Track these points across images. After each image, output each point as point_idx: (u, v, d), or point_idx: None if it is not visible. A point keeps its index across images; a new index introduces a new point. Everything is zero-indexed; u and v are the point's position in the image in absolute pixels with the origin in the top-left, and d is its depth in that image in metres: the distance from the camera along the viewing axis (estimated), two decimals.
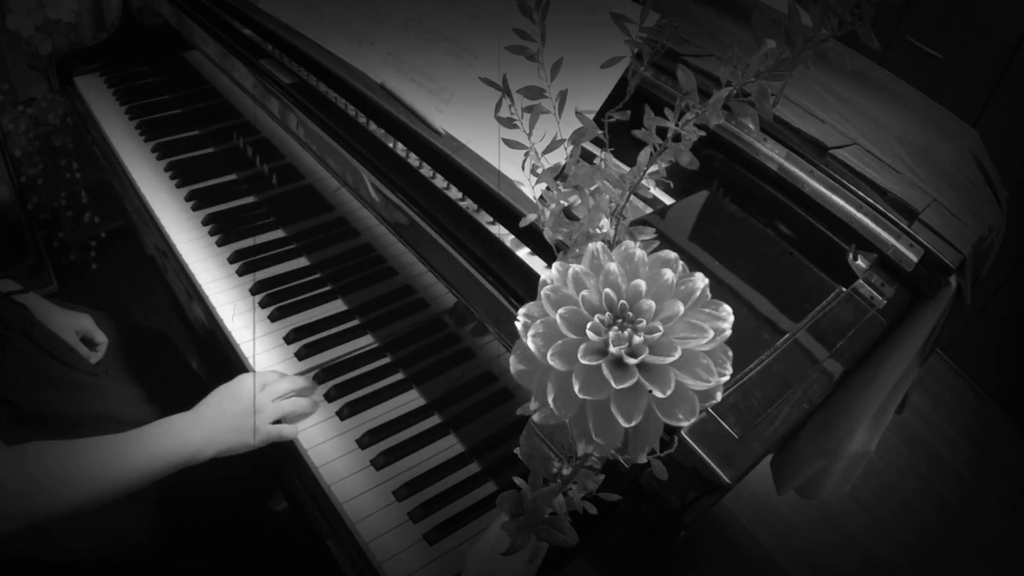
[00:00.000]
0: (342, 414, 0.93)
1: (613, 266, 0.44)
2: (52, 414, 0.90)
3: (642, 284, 0.43)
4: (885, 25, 2.06)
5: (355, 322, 1.05)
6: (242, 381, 0.89)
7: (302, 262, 1.14)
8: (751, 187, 0.93)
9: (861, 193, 0.86)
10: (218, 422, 0.83)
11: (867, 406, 0.87)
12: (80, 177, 1.86)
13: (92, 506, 0.74)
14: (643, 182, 0.51)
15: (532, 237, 0.75)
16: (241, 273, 1.11)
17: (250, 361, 0.99)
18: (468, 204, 0.81)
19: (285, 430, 0.88)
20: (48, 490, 0.71)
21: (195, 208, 1.22)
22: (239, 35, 1.11)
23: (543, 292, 0.44)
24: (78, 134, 1.83)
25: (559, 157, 0.56)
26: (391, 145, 0.89)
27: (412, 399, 0.97)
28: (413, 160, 0.87)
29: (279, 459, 0.91)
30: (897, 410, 0.96)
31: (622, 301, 0.43)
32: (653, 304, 0.42)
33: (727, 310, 0.43)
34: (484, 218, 0.79)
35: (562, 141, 0.54)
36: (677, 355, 0.41)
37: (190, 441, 0.81)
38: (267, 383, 0.89)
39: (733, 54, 0.45)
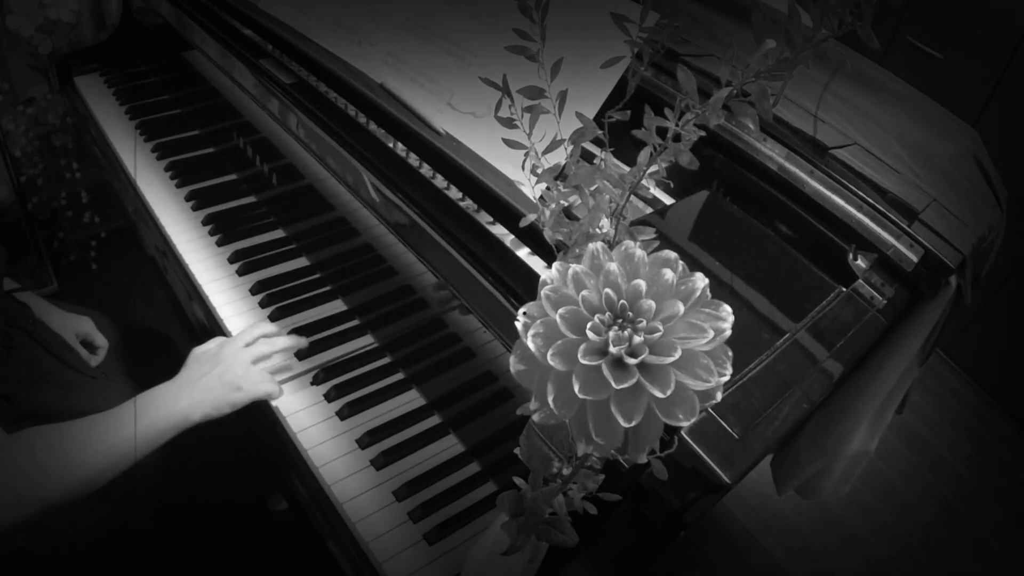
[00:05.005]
0: (342, 414, 0.93)
1: (613, 266, 0.44)
2: (49, 413, 0.90)
3: (642, 284, 0.43)
4: (885, 25, 2.06)
5: (355, 322, 1.05)
6: (218, 341, 0.90)
7: (302, 262, 1.14)
8: (751, 187, 0.93)
9: (861, 193, 0.86)
10: (200, 382, 0.84)
11: (867, 406, 0.87)
12: (80, 177, 1.86)
13: (94, 485, 0.74)
14: (643, 182, 0.51)
15: (532, 237, 0.75)
16: (241, 273, 1.11)
17: None
18: (468, 204, 0.81)
19: (269, 387, 0.87)
20: (49, 473, 0.71)
21: (195, 208, 1.22)
22: (239, 35, 1.11)
23: (543, 292, 0.44)
24: (78, 134, 1.83)
25: (559, 157, 0.56)
26: (391, 145, 0.89)
27: (412, 399, 0.97)
28: (413, 160, 0.87)
29: (278, 459, 0.91)
30: (897, 410, 0.96)
31: (622, 301, 0.43)
32: (653, 304, 0.42)
33: (727, 310, 0.43)
34: (484, 218, 0.79)
35: (562, 141, 0.54)
36: (677, 355, 0.40)
37: (178, 405, 0.81)
38: (248, 342, 0.90)
39: (733, 54, 0.45)
